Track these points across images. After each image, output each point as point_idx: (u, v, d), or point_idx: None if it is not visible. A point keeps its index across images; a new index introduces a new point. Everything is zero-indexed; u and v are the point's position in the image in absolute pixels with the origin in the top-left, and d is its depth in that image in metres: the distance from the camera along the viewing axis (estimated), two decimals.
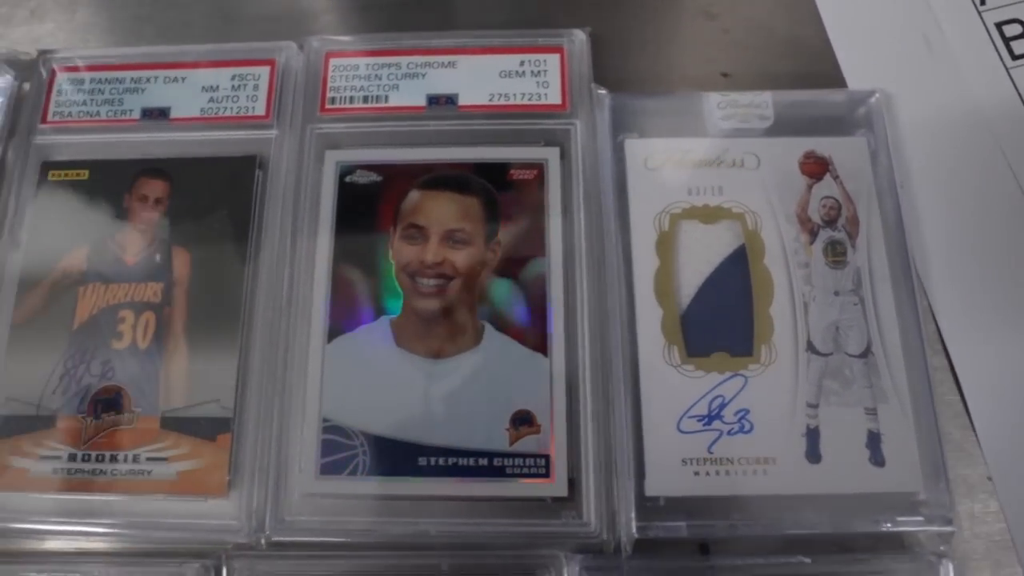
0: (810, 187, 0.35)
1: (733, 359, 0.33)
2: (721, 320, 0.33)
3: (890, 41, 0.39)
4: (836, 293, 0.34)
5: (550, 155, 0.36)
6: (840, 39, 0.39)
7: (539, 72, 0.37)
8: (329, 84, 0.37)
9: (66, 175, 0.37)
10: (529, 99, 0.37)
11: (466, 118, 0.36)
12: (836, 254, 0.34)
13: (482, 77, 0.37)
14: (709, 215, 0.35)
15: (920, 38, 0.39)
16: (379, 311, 0.34)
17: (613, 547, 0.31)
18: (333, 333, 0.34)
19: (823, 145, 0.36)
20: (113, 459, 0.33)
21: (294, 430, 0.33)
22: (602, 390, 0.33)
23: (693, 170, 0.35)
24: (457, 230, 0.35)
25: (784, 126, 0.36)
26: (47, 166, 0.38)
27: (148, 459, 0.33)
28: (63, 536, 0.33)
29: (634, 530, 0.30)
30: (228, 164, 0.37)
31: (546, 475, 0.32)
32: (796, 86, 0.38)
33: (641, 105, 0.36)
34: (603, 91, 0.36)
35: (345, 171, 0.36)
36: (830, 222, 0.35)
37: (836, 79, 0.38)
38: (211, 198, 0.36)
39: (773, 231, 0.34)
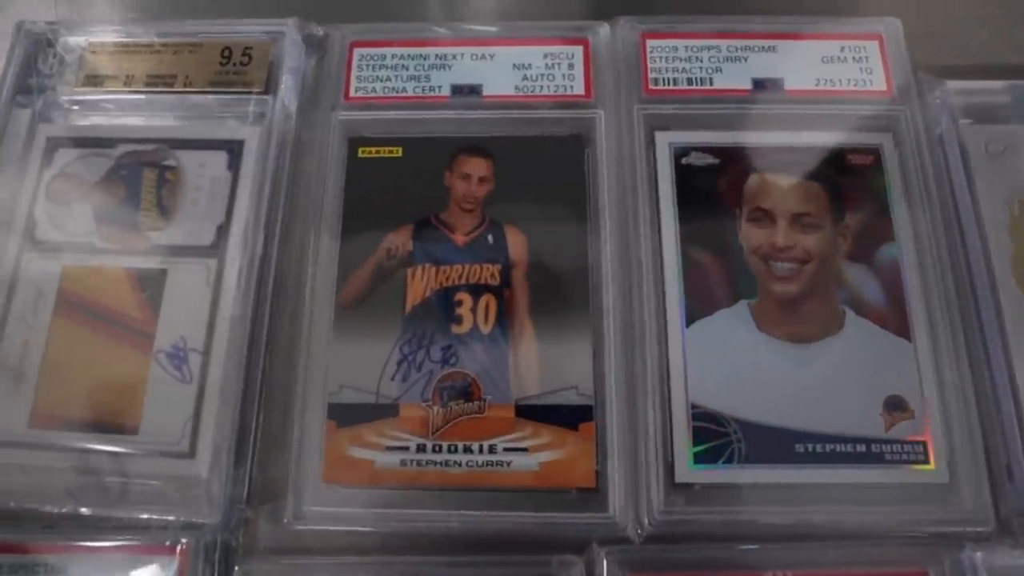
0: None
1: None
2: None
3: None
4: None
5: (884, 140, 0.35)
6: None
7: (860, 58, 0.37)
8: (649, 65, 0.36)
9: (377, 152, 0.36)
10: (854, 85, 0.36)
11: (792, 102, 0.36)
12: None
13: (805, 62, 0.37)
14: None
15: None
16: (736, 295, 0.33)
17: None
18: (690, 317, 0.33)
19: None
20: (467, 450, 0.31)
21: (659, 417, 0.32)
22: (970, 376, 0.32)
23: None
24: (804, 214, 0.34)
25: None
26: (355, 142, 0.36)
27: (506, 449, 0.31)
28: (410, 532, 0.31)
29: None
30: (554, 143, 0.35)
31: (925, 461, 0.31)
32: None
33: (971, 90, 0.36)
34: (933, 78, 0.36)
35: (680, 153, 0.35)
36: None
37: None
38: (540, 177, 0.35)
39: None
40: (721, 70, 0.36)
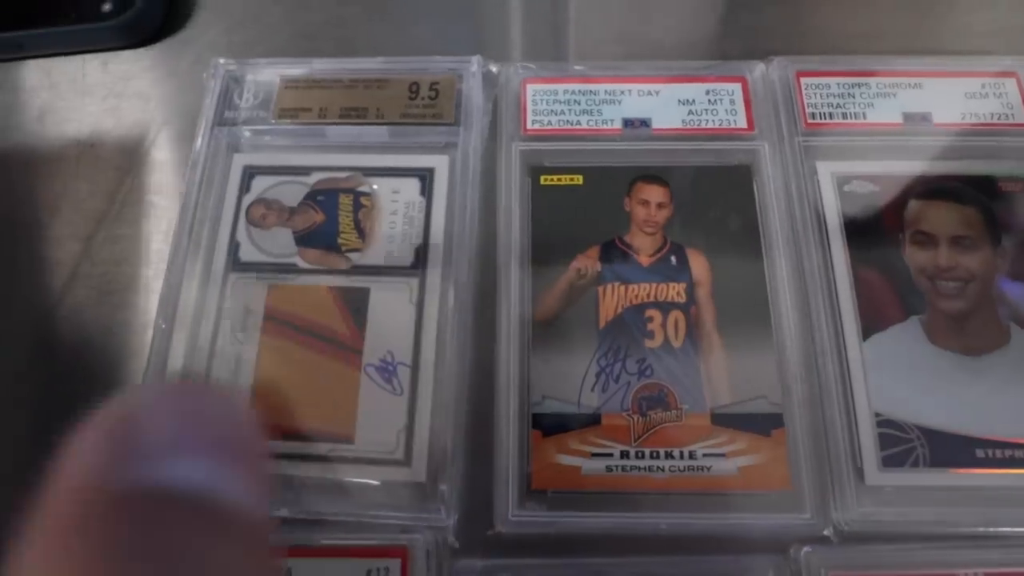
0: None
1: None
2: None
3: None
4: None
5: None
6: None
7: (1000, 94, 0.40)
8: (806, 101, 0.39)
9: (559, 180, 0.38)
10: (997, 118, 0.39)
11: (941, 134, 0.39)
12: None
13: (950, 97, 0.40)
14: None
15: None
16: (906, 311, 0.35)
17: None
18: (866, 332, 0.35)
19: None
20: (669, 455, 0.33)
21: (843, 424, 0.34)
22: None
23: None
24: (963, 236, 0.37)
25: None
26: (537, 171, 0.38)
27: (705, 455, 0.33)
28: (617, 534, 0.33)
29: None
30: (724, 172, 0.38)
31: None
32: None
33: None
34: None
35: (841, 181, 0.38)
36: None
37: None
38: (713, 204, 0.37)
39: None
40: (873, 105, 0.39)
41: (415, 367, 0.34)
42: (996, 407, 0.34)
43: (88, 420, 0.14)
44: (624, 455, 0.33)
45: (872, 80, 0.40)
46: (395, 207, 0.38)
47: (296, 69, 0.41)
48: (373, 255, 0.37)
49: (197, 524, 0.13)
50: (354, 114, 0.39)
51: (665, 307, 0.36)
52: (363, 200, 0.38)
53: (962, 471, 0.33)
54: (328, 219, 0.38)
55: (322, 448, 0.33)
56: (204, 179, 0.38)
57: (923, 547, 0.32)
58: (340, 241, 0.37)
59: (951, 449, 0.33)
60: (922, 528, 0.32)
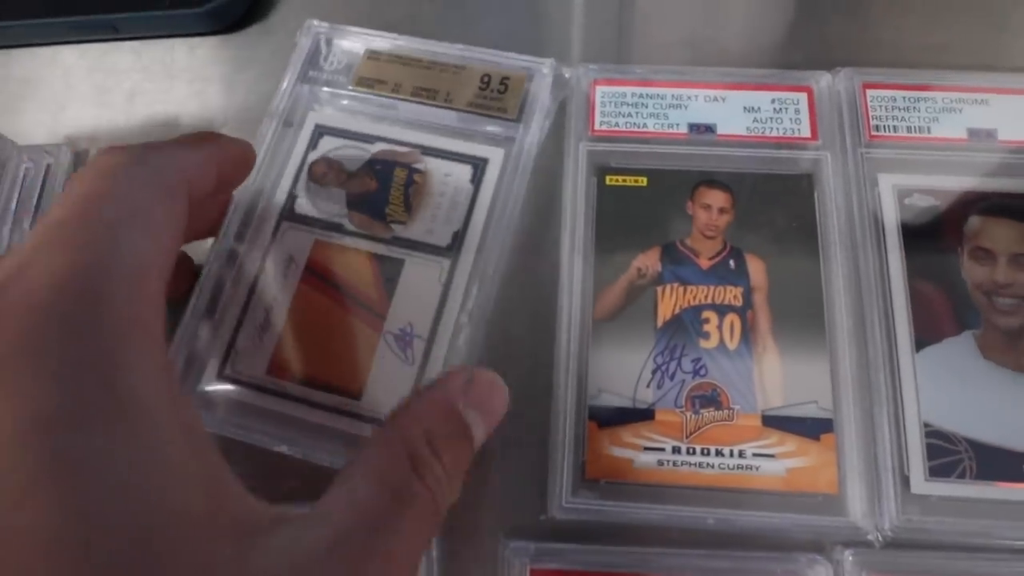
0: None
1: None
2: None
3: None
4: None
5: None
6: None
7: None
8: (871, 113, 0.40)
9: (624, 180, 0.39)
10: None
11: (1006, 152, 0.39)
12: None
13: (1017, 114, 0.40)
14: None
15: None
16: (961, 325, 0.36)
17: None
18: (920, 344, 0.36)
19: None
20: (719, 453, 0.34)
21: (892, 433, 0.34)
22: None
23: None
24: (1022, 254, 0.37)
25: None
26: (603, 171, 0.39)
27: (754, 455, 0.35)
28: (665, 525, 0.34)
29: None
30: (786, 180, 0.39)
31: None
32: None
33: None
34: None
35: (902, 194, 0.38)
36: None
37: None
38: (774, 211, 0.38)
39: None
40: (938, 119, 0.40)
41: (430, 341, 0.36)
42: None
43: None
44: (675, 451, 0.35)
45: (938, 95, 0.40)
46: (444, 189, 0.39)
47: (381, 42, 0.43)
48: (414, 230, 0.38)
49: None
50: (425, 94, 0.41)
51: (722, 310, 0.37)
52: (416, 177, 0.40)
53: (1008, 485, 0.34)
54: (380, 188, 0.39)
55: (330, 399, 0.35)
56: (278, 129, 0.40)
57: (965, 557, 0.33)
58: (387, 211, 0.39)
59: (998, 463, 0.34)
60: (965, 539, 0.33)
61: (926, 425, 0.35)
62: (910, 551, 0.33)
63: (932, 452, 0.34)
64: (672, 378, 0.36)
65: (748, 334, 0.36)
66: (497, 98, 0.41)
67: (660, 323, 0.37)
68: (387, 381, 0.36)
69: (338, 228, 0.39)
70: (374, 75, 0.42)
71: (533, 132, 0.40)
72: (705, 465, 0.34)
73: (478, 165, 0.40)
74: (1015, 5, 0.44)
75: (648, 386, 0.36)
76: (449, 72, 0.41)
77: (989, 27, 0.43)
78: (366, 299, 0.37)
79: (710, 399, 0.35)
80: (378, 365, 0.36)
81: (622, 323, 0.37)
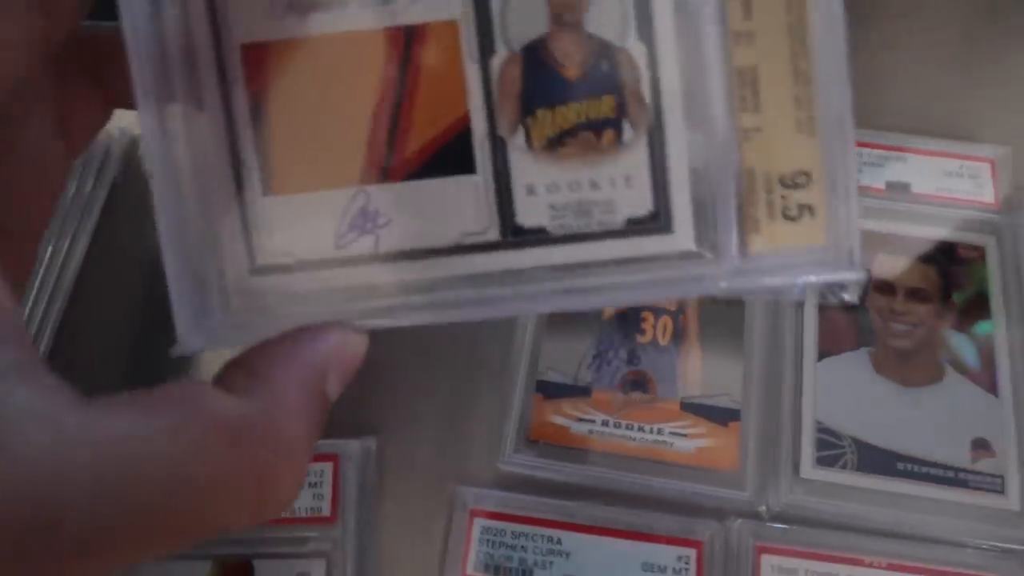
0: None
1: None
2: None
3: None
4: None
5: (988, 242, 0.45)
6: None
7: (975, 175, 0.46)
8: None
9: None
10: (968, 195, 0.46)
11: (917, 202, 0.46)
12: None
13: (930, 172, 0.47)
14: None
15: None
16: (859, 343, 0.43)
17: None
18: (822, 355, 0.42)
19: None
20: (641, 429, 0.41)
21: (789, 426, 0.41)
22: None
23: None
24: (919, 289, 0.43)
25: None
26: None
27: (671, 433, 0.41)
28: (594, 485, 0.41)
29: None
30: None
31: (1001, 491, 0.40)
32: None
33: None
34: None
35: None
36: None
37: None
38: None
39: None
40: (862, 171, 0.47)
41: None
42: (921, 432, 0.41)
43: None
44: (605, 424, 0.41)
45: (864, 150, 0.47)
46: None
47: None
48: None
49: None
50: None
51: (659, 312, 0.44)
52: None
53: (882, 478, 0.40)
54: None
55: None
56: None
57: (839, 534, 0.39)
58: None
59: (876, 459, 0.40)
60: (841, 520, 0.40)
61: (818, 422, 0.41)
62: (794, 526, 0.39)
63: (821, 444, 0.41)
64: (610, 364, 0.42)
65: (678, 334, 0.43)
66: None
67: (605, 317, 0.44)
68: None
69: None
70: None
71: None
72: (629, 438, 0.41)
73: None
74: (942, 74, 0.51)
75: (588, 368, 0.42)
76: None
77: (916, 94, 0.50)
78: None
79: (639, 384, 0.42)
80: None
81: (573, 314, 0.44)
